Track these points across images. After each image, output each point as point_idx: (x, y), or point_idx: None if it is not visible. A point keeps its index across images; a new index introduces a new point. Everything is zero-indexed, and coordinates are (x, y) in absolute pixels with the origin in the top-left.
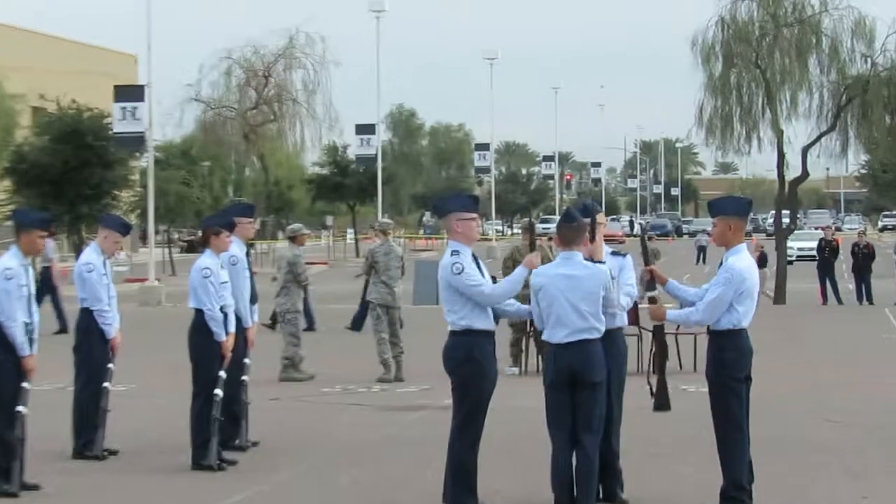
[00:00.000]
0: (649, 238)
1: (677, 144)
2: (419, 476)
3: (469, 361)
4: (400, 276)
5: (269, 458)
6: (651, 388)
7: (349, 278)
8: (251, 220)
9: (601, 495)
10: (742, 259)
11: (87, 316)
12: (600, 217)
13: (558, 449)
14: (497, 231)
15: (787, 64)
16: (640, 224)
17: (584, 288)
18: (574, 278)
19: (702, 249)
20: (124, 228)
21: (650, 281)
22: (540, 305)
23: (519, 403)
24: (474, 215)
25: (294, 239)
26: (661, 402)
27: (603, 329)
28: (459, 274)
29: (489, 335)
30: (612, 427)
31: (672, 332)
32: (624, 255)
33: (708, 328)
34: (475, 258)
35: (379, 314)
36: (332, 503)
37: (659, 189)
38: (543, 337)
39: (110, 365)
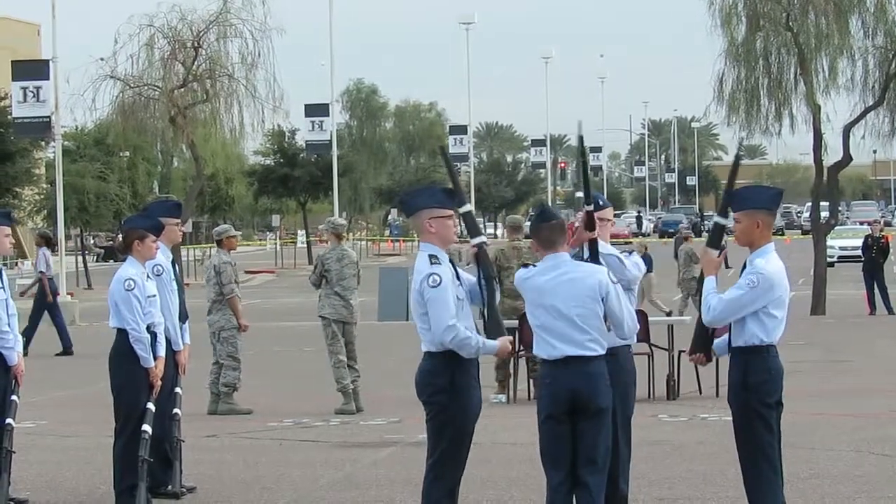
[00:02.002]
0: (685, 238)
1: (693, 124)
2: None
3: (448, 388)
4: (356, 286)
5: None
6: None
7: (300, 289)
8: (178, 220)
9: None
10: (771, 261)
11: None
12: (608, 213)
13: (555, 492)
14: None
15: (823, 26)
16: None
17: (581, 293)
18: (567, 282)
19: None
20: (6, 218)
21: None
22: (530, 319)
23: (507, 438)
24: (450, 212)
25: (220, 243)
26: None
27: (605, 344)
28: (435, 287)
29: (472, 358)
30: (619, 465)
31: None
32: (630, 253)
33: (730, 345)
34: (452, 264)
35: (335, 332)
36: None
37: (672, 178)
38: (536, 353)
39: (14, 397)
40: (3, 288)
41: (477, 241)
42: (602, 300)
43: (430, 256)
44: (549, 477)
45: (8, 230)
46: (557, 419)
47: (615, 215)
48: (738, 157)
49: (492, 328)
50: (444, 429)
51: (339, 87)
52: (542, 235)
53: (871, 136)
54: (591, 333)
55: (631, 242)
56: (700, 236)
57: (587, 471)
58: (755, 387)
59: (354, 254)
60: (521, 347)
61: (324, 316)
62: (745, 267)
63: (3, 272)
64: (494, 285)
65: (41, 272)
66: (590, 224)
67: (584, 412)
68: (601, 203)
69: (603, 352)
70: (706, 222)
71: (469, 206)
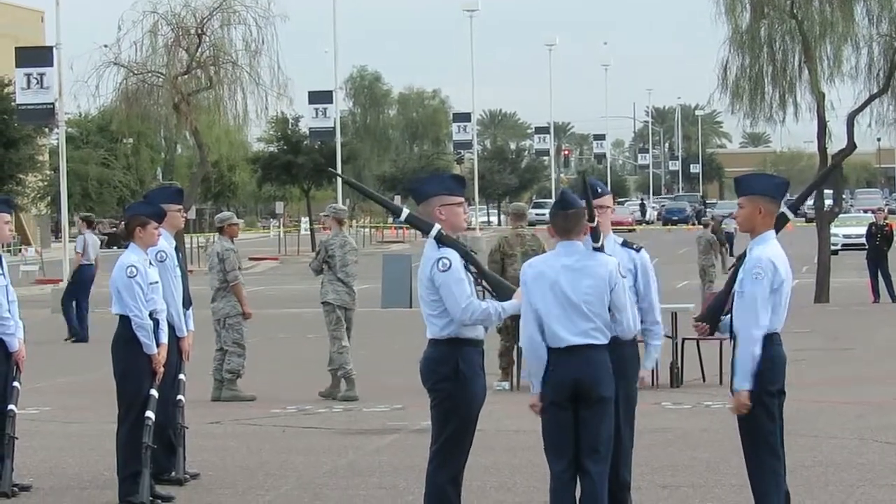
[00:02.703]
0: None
1: (697, 112)
2: None
3: (453, 376)
4: (356, 275)
5: (212, 493)
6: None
7: (304, 276)
8: (180, 207)
9: None
10: (770, 248)
11: None
12: (607, 200)
13: (558, 480)
14: (482, 220)
15: (828, 13)
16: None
17: (590, 282)
18: (577, 270)
19: (729, 238)
20: (4, 205)
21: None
22: (537, 304)
23: (510, 425)
24: (460, 199)
25: (223, 230)
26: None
27: (609, 334)
28: (446, 271)
29: (477, 345)
30: (622, 454)
31: (693, 337)
32: (638, 249)
33: (731, 333)
34: (460, 249)
35: (339, 317)
36: None
37: (676, 166)
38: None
39: (15, 384)
40: (3, 274)
41: (434, 230)
42: (610, 291)
43: (438, 240)
44: (552, 465)
45: (8, 217)
46: (560, 406)
47: (619, 203)
48: (831, 168)
49: (497, 290)
50: (449, 416)
51: (343, 75)
52: (558, 222)
53: (876, 125)
54: (597, 322)
55: (634, 230)
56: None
57: (590, 459)
58: (758, 375)
59: (353, 241)
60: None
61: (328, 302)
62: (743, 256)
63: (4, 259)
64: (472, 256)
65: (77, 252)
66: (589, 214)
67: (587, 401)
68: (599, 190)
69: (606, 341)
70: (708, 210)
71: (406, 212)
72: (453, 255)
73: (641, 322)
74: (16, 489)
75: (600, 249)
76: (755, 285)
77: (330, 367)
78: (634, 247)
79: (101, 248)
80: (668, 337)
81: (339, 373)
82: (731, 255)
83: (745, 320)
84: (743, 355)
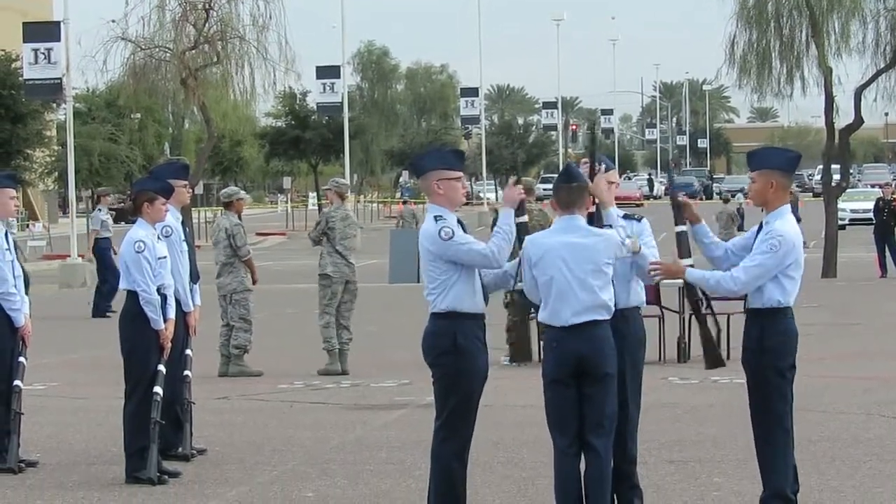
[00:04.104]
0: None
1: (705, 87)
2: (398, 487)
3: (452, 350)
4: (356, 247)
5: (219, 468)
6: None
7: (312, 251)
8: (185, 182)
9: None
10: (788, 223)
11: None
12: (612, 175)
13: (562, 455)
14: (489, 195)
15: None
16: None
17: (591, 257)
18: (578, 246)
19: (742, 216)
20: (10, 180)
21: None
22: (538, 281)
23: (517, 400)
24: (459, 174)
25: (229, 205)
26: (712, 357)
27: (613, 309)
28: (450, 239)
29: (477, 318)
30: (628, 428)
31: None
32: (639, 220)
33: (745, 306)
34: (461, 225)
35: (334, 292)
36: None
37: (683, 141)
38: (541, 319)
39: (21, 359)
40: (9, 249)
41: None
42: (611, 265)
43: (436, 217)
44: (556, 441)
45: (13, 193)
46: (563, 383)
47: (626, 178)
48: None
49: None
50: (451, 390)
51: (351, 50)
52: (560, 196)
53: (883, 99)
54: (600, 296)
55: (642, 205)
56: (711, 198)
57: (595, 434)
58: (771, 349)
59: (354, 215)
60: (533, 310)
61: (327, 274)
62: (760, 228)
63: (10, 234)
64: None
65: (94, 230)
66: (591, 170)
67: (590, 377)
68: (604, 165)
69: (609, 316)
70: (716, 184)
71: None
72: (452, 223)
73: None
74: (22, 465)
75: (597, 222)
76: (766, 255)
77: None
78: (636, 217)
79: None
80: (675, 312)
81: (322, 346)
82: (743, 230)
83: (745, 281)
84: (716, 281)
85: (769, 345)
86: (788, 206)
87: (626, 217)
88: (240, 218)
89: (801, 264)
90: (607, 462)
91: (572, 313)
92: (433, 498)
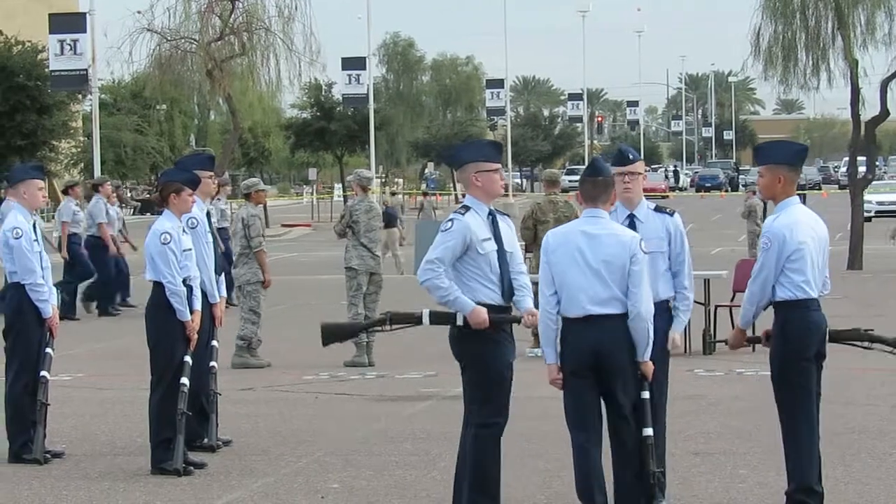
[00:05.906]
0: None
1: (730, 79)
2: (423, 478)
3: (477, 341)
4: (381, 239)
5: (244, 459)
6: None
7: (337, 242)
8: (211, 173)
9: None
10: (787, 216)
11: (17, 292)
12: (638, 167)
13: (581, 450)
14: (516, 185)
15: None
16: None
17: (609, 251)
18: (597, 238)
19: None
20: (39, 171)
21: None
22: (552, 270)
23: (544, 392)
24: (497, 166)
25: (249, 196)
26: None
27: (647, 305)
28: (447, 230)
29: (499, 310)
30: (657, 429)
31: (726, 304)
32: (671, 214)
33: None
34: (494, 215)
35: (360, 284)
36: None
37: (709, 132)
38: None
39: (48, 350)
40: (37, 241)
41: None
42: (630, 262)
43: (463, 207)
44: (574, 436)
45: (42, 183)
46: (580, 375)
47: (653, 169)
48: None
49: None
50: (478, 383)
51: (376, 41)
52: (585, 189)
53: None
54: (616, 291)
55: (667, 196)
56: (737, 190)
57: (617, 424)
58: (792, 339)
59: (378, 207)
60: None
61: (352, 267)
62: None
63: (38, 226)
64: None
65: (99, 223)
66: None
67: (607, 370)
68: (630, 157)
69: (625, 310)
70: (741, 176)
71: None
72: (460, 219)
73: (674, 285)
74: (48, 455)
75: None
76: (761, 254)
77: None
78: (668, 211)
79: (132, 214)
80: (701, 303)
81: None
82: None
83: (752, 287)
84: (744, 309)
85: (790, 335)
86: (796, 198)
87: (657, 209)
88: (265, 209)
89: (807, 256)
90: (633, 448)
91: (588, 305)
92: (467, 490)
